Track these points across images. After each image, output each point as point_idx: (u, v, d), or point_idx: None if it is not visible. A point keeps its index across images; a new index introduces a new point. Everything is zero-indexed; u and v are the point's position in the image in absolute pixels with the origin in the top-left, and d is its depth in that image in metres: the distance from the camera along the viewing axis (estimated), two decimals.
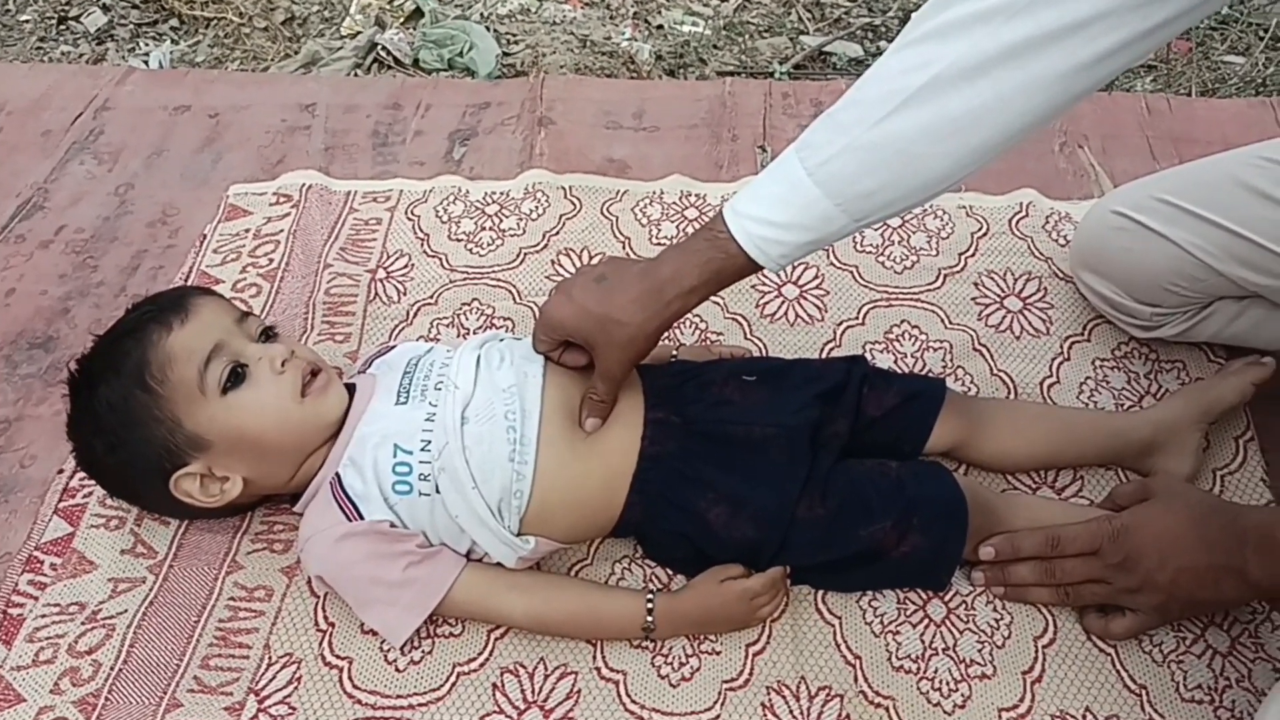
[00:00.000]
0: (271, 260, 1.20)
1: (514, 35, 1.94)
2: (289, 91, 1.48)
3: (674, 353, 1.02)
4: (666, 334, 1.08)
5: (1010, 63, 0.66)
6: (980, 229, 1.20)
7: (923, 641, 0.86)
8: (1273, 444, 0.99)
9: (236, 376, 0.84)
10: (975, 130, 0.69)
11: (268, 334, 0.90)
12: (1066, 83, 0.67)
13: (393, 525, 0.83)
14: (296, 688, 0.84)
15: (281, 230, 1.23)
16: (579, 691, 0.84)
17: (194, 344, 0.83)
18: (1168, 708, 0.82)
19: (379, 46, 1.89)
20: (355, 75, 1.82)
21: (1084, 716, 0.81)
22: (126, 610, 0.89)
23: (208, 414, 0.83)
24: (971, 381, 1.05)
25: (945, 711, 0.82)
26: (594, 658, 0.86)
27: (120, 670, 0.85)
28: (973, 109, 0.68)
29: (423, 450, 0.82)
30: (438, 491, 0.82)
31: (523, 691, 0.84)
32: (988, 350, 1.07)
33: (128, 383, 0.82)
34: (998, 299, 1.13)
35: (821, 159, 0.73)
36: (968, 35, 0.67)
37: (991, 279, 1.15)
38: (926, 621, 0.87)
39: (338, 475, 0.84)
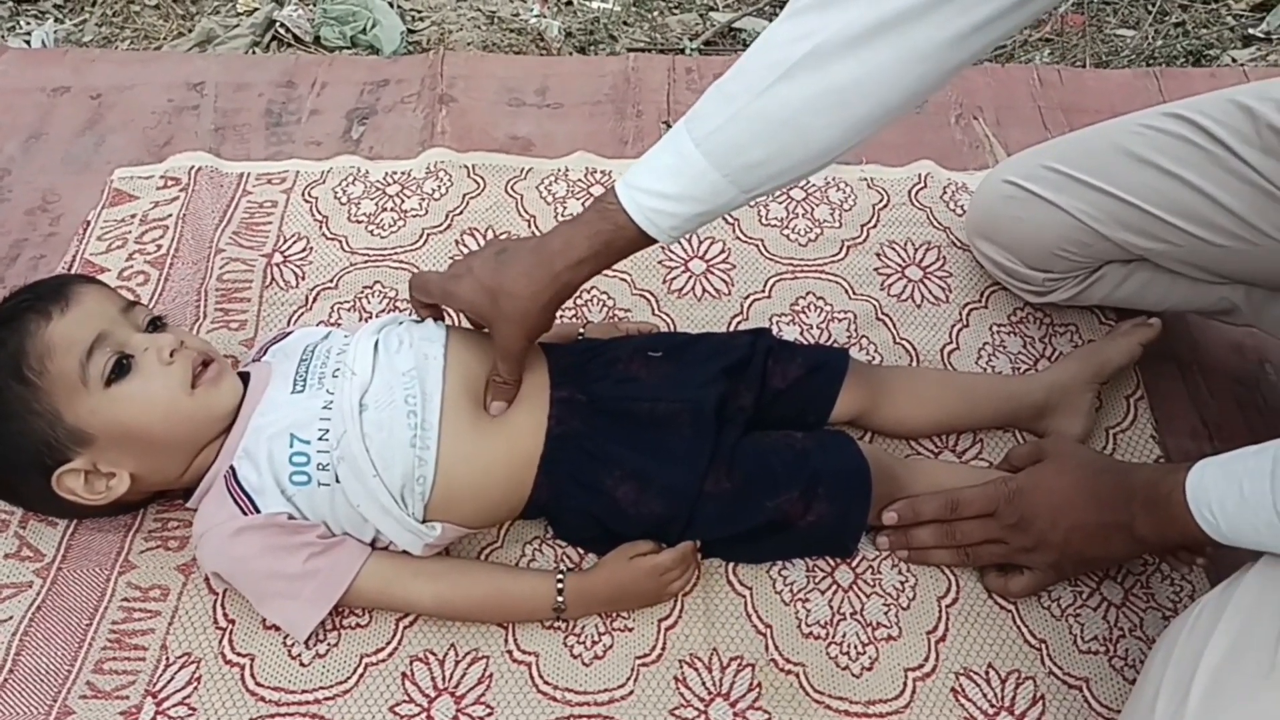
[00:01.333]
0: (160, 246, 1.15)
1: (419, 11, 1.89)
2: (176, 70, 1.41)
3: (581, 331, 1.02)
4: (573, 312, 1.09)
5: (888, 34, 0.67)
6: (881, 200, 1.22)
7: (831, 607, 0.87)
8: (1161, 401, 1.03)
9: (121, 368, 0.80)
10: (857, 101, 0.70)
11: (156, 324, 0.86)
12: (943, 54, 0.68)
13: (291, 517, 0.80)
14: (196, 688, 0.81)
15: (170, 215, 1.18)
16: (491, 676, 0.83)
17: (75, 334, 0.79)
18: (1066, 660, 0.85)
19: (277, 24, 1.82)
20: (252, 54, 1.75)
21: (987, 672, 0.84)
22: (11, 617, 0.85)
23: (89, 407, 0.79)
24: (875, 350, 1.07)
25: (854, 674, 0.83)
26: (505, 641, 0.85)
27: (6, 680, 0.81)
28: (854, 80, 0.69)
29: (320, 440, 0.80)
30: (338, 481, 0.80)
31: (433, 679, 0.83)
32: (890, 319, 1.09)
33: (3, 375, 0.78)
34: (899, 269, 1.14)
35: (709, 129, 0.72)
36: (847, 7, 0.67)
37: (893, 249, 1.17)
38: (834, 588, 0.88)
39: (232, 468, 0.81)
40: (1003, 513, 0.84)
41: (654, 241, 0.78)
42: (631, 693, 0.82)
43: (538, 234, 1.17)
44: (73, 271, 1.12)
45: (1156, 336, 1.00)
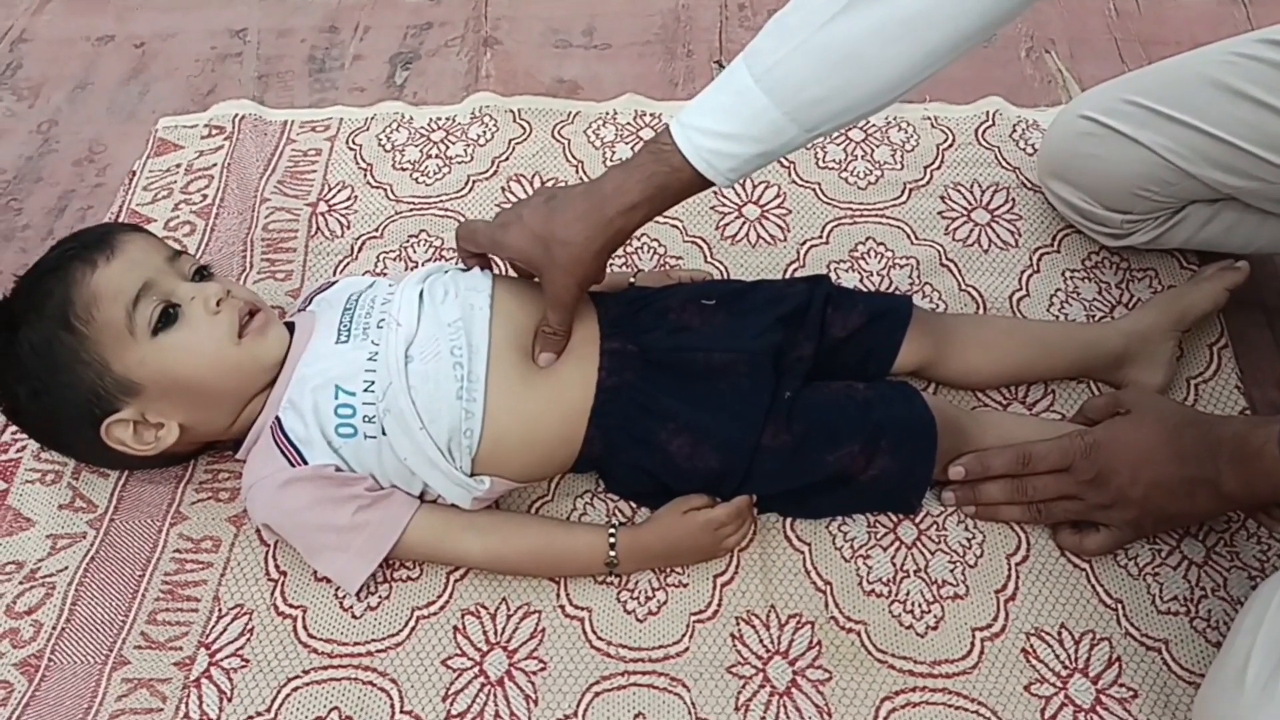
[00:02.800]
0: (205, 196, 1.13)
1: None
2: (218, 17, 1.39)
3: (631, 279, 0.98)
4: (623, 260, 1.06)
5: None
6: (946, 140, 1.16)
7: (894, 564, 0.84)
8: (1247, 350, 0.96)
9: (168, 317, 0.79)
10: (925, 30, 0.65)
11: (202, 273, 0.84)
12: None
13: (338, 469, 0.79)
14: (249, 639, 0.81)
15: (215, 164, 1.17)
16: (543, 630, 0.81)
17: (121, 282, 0.78)
18: (1144, 621, 0.81)
19: None
20: None
21: (1059, 633, 0.80)
22: (67, 567, 0.85)
23: (137, 356, 0.78)
24: (940, 298, 1.02)
25: (918, 633, 0.80)
26: (558, 595, 0.83)
27: (63, 630, 0.82)
28: (924, 8, 0.64)
29: (366, 391, 0.78)
30: (384, 434, 0.78)
31: (485, 633, 0.81)
32: (955, 265, 1.04)
33: (50, 324, 0.77)
34: (964, 212, 1.09)
35: (768, 64, 0.68)
36: None
37: (958, 191, 1.11)
38: (897, 544, 0.85)
39: (278, 419, 0.80)
40: (1078, 467, 0.79)
41: (710, 185, 0.74)
42: (687, 649, 0.80)
43: (586, 179, 1.14)
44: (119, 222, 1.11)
45: (1244, 280, 0.94)
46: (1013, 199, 1.10)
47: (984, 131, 1.17)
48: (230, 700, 0.78)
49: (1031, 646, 0.79)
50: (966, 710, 0.76)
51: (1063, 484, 0.80)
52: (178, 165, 1.17)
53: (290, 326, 0.86)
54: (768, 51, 0.69)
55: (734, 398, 0.82)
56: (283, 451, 0.78)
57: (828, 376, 0.87)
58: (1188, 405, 0.90)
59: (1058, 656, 0.79)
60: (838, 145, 1.16)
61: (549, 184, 1.14)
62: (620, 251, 1.06)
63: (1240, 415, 0.84)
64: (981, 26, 0.66)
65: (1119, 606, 0.81)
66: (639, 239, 1.08)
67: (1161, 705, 0.76)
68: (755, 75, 0.69)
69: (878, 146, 1.16)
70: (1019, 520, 0.84)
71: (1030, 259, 1.04)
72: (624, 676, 0.79)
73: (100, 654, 0.80)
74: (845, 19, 0.66)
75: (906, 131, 1.17)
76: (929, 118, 1.19)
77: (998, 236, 1.06)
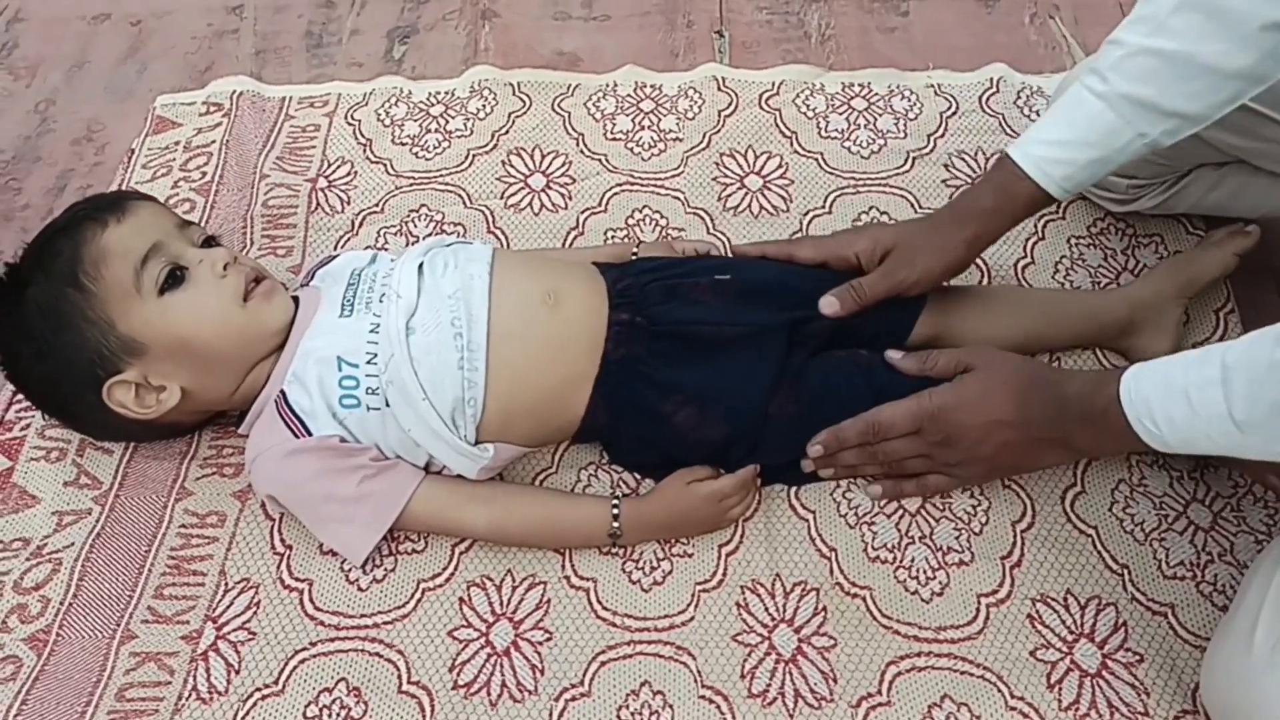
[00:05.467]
0: (205, 174, 1.13)
1: None
2: None
3: (634, 250, 0.98)
4: (625, 231, 1.05)
5: None
6: (950, 108, 1.15)
7: (899, 530, 0.83)
8: (1254, 316, 0.96)
9: (175, 278, 0.79)
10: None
11: (210, 242, 0.85)
12: None
13: (343, 440, 0.78)
14: (255, 612, 0.81)
15: (213, 141, 1.16)
16: (549, 601, 0.81)
17: (131, 242, 0.79)
18: (1150, 585, 0.80)
19: None
20: None
21: (1065, 598, 0.80)
22: (73, 543, 0.85)
23: (143, 316, 0.78)
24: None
25: (923, 599, 0.80)
26: (563, 566, 0.83)
27: (70, 605, 0.82)
28: None
29: (369, 364, 0.78)
30: (387, 405, 0.78)
31: (490, 604, 0.81)
32: None
33: (59, 282, 0.77)
34: (969, 180, 1.08)
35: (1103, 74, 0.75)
36: None
37: (962, 160, 1.10)
38: (901, 512, 0.84)
39: (283, 393, 0.80)
40: (927, 430, 0.79)
41: (1050, 198, 0.78)
42: (692, 619, 0.80)
43: (585, 152, 1.13)
44: None
45: (1253, 245, 0.93)
46: None
47: (988, 99, 1.16)
48: (238, 673, 0.78)
49: (1037, 612, 0.79)
50: (972, 675, 0.76)
51: (914, 445, 0.80)
52: (176, 143, 1.17)
53: (295, 301, 0.85)
54: (1106, 67, 0.74)
55: (742, 368, 0.82)
56: (287, 423, 0.78)
57: (840, 343, 0.86)
58: (1030, 360, 0.85)
59: (1063, 622, 0.79)
60: (840, 114, 1.15)
61: (550, 156, 1.13)
62: (621, 223, 1.06)
63: (1083, 372, 0.80)
64: None
65: (1125, 572, 0.81)
66: (640, 210, 1.07)
67: (1167, 670, 0.76)
68: (1091, 87, 0.75)
69: (881, 115, 1.15)
70: (876, 475, 0.84)
71: (1036, 226, 1.03)
72: (630, 646, 0.79)
73: (108, 628, 0.81)
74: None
75: (910, 99, 1.16)
76: (932, 85, 1.17)
77: None
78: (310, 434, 0.78)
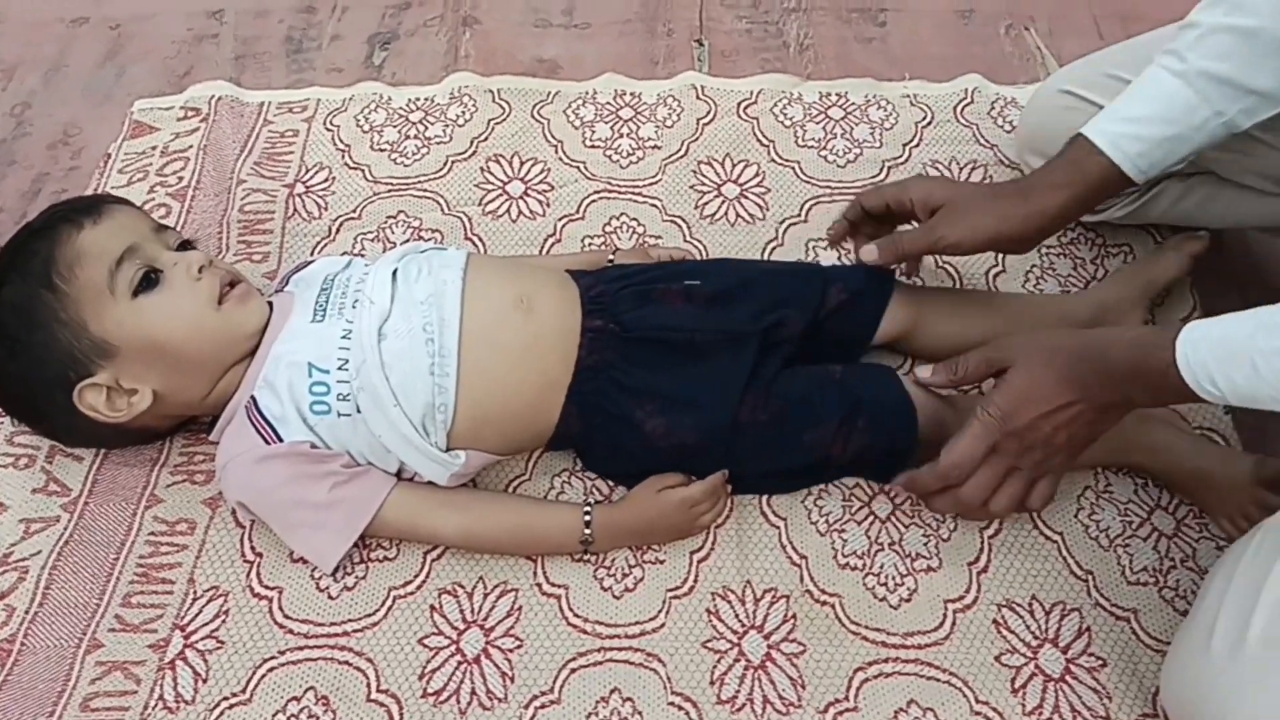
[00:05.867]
0: (181, 178, 1.13)
1: None
2: None
3: (610, 258, 0.98)
4: (602, 239, 1.06)
5: None
6: (925, 118, 1.16)
7: (868, 537, 0.84)
8: None
9: (149, 281, 0.80)
10: None
11: (186, 246, 0.85)
12: None
13: (314, 446, 0.79)
14: (224, 621, 0.81)
15: (191, 146, 1.16)
16: (520, 608, 0.82)
17: (106, 243, 0.79)
18: (1114, 591, 0.81)
19: None
20: None
21: (1030, 604, 0.81)
22: (40, 551, 0.85)
23: (116, 317, 0.78)
24: (917, 275, 1.02)
25: (891, 605, 0.81)
26: (535, 574, 0.83)
27: (36, 614, 0.81)
28: None
29: (340, 369, 0.78)
30: (358, 411, 0.78)
31: (461, 611, 0.81)
32: None
33: (33, 282, 0.77)
34: None
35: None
36: None
37: (937, 169, 1.11)
38: (872, 519, 0.85)
39: (253, 398, 0.79)
40: (1001, 445, 0.74)
41: (1126, 179, 0.77)
42: (663, 625, 0.80)
43: (565, 159, 1.14)
44: None
45: (1205, 248, 0.95)
46: (991, 176, 1.10)
47: (963, 109, 1.17)
48: (205, 681, 0.78)
49: (1002, 617, 0.80)
50: (938, 680, 0.77)
51: (996, 469, 0.75)
52: (153, 147, 1.17)
53: (270, 306, 0.85)
54: (1184, 47, 0.74)
55: (713, 375, 0.82)
56: (257, 429, 0.78)
57: (809, 349, 0.87)
58: (1060, 332, 0.81)
59: (1028, 627, 0.79)
60: (816, 124, 1.16)
61: (528, 163, 1.13)
62: (599, 230, 1.07)
63: (1125, 330, 0.75)
64: None
65: (1089, 577, 0.82)
66: (618, 217, 1.08)
67: (1130, 674, 0.77)
68: (1168, 67, 0.75)
69: (857, 125, 1.16)
70: (984, 513, 0.78)
71: None
72: (600, 653, 0.79)
73: (74, 637, 0.80)
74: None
75: (886, 109, 1.17)
76: (908, 95, 1.18)
77: None
78: (281, 440, 0.78)
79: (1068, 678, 0.77)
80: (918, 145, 1.13)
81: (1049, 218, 0.80)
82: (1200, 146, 0.76)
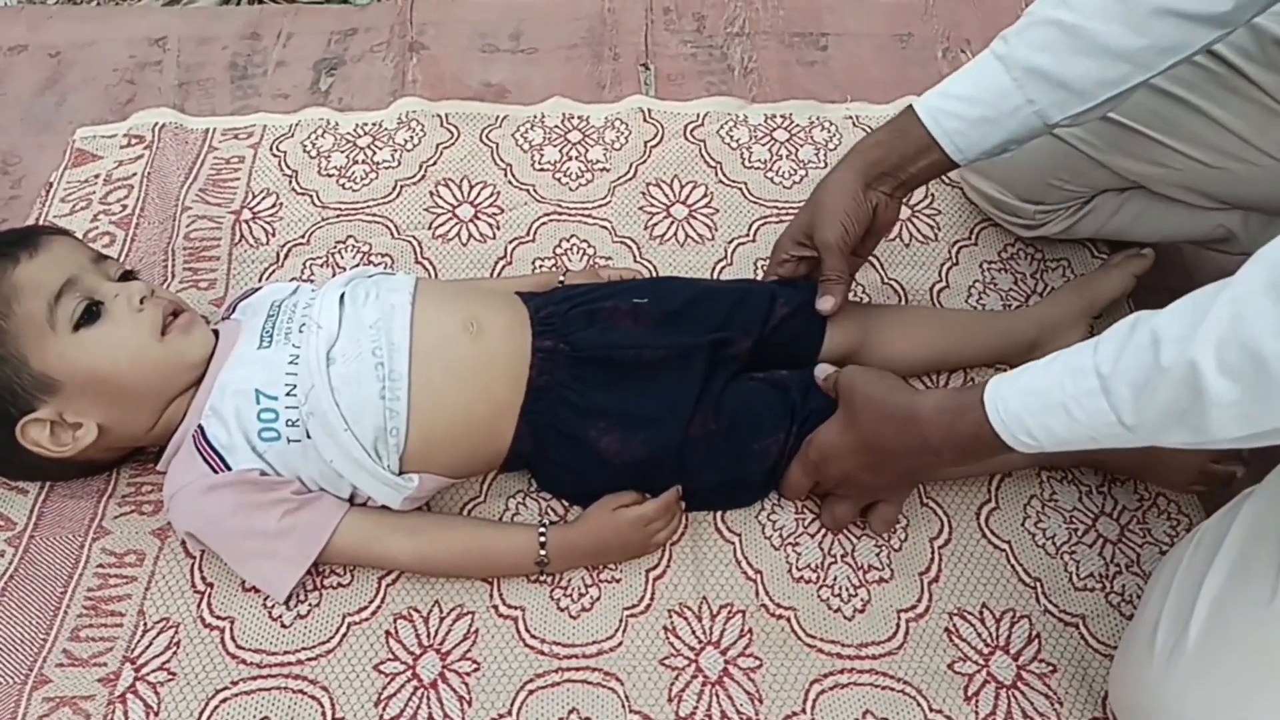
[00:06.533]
0: (125, 206, 1.11)
1: None
2: (136, 25, 1.36)
3: (561, 279, 0.99)
4: (552, 261, 1.06)
5: None
6: None
7: (822, 550, 0.85)
8: None
9: (90, 314, 0.78)
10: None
11: (127, 276, 0.84)
12: None
13: (263, 474, 0.78)
14: (175, 652, 0.80)
15: (135, 174, 1.15)
16: (476, 631, 0.81)
17: (43, 277, 0.77)
18: (1062, 597, 0.83)
19: None
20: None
21: (981, 612, 0.82)
22: None
23: (57, 351, 0.76)
24: (863, 291, 1.04)
25: (845, 617, 0.82)
26: (491, 596, 0.83)
27: None
28: None
29: (288, 395, 0.77)
30: (308, 436, 0.77)
31: (417, 636, 0.81)
32: (878, 260, 1.06)
33: None
34: None
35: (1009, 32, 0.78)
36: None
37: None
38: (824, 531, 0.86)
39: (200, 427, 0.79)
40: (825, 481, 0.83)
41: (949, 161, 0.80)
42: (620, 644, 0.81)
43: (514, 183, 1.14)
44: None
45: (1149, 267, 0.98)
46: (932, 194, 1.12)
47: None
48: (157, 714, 0.77)
49: (954, 626, 0.81)
50: (893, 690, 0.78)
51: (823, 491, 0.85)
52: (96, 176, 1.15)
53: (216, 334, 0.85)
54: (1012, 33, 0.77)
55: (663, 390, 0.83)
56: (205, 458, 0.77)
57: (756, 366, 0.88)
58: (887, 390, 0.79)
59: (979, 635, 0.81)
60: (762, 145, 1.18)
61: (478, 187, 1.14)
62: (550, 252, 1.07)
63: (937, 394, 0.75)
64: None
65: (1038, 585, 0.84)
66: (568, 240, 1.08)
67: (1079, 679, 0.79)
68: (995, 50, 0.77)
69: (802, 146, 1.18)
70: (828, 527, 0.87)
71: (949, 252, 1.07)
72: (558, 674, 0.79)
73: (20, 674, 0.78)
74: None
75: (829, 131, 1.20)
76: (850, 117, 1.21)
77: (918, 231, 1.09)
78: (229, 468, 0.77)
79: (1019, 684, 0.79)
80: None
81: (883, 180, 0.83)
82: (1015, 134, 0.78)
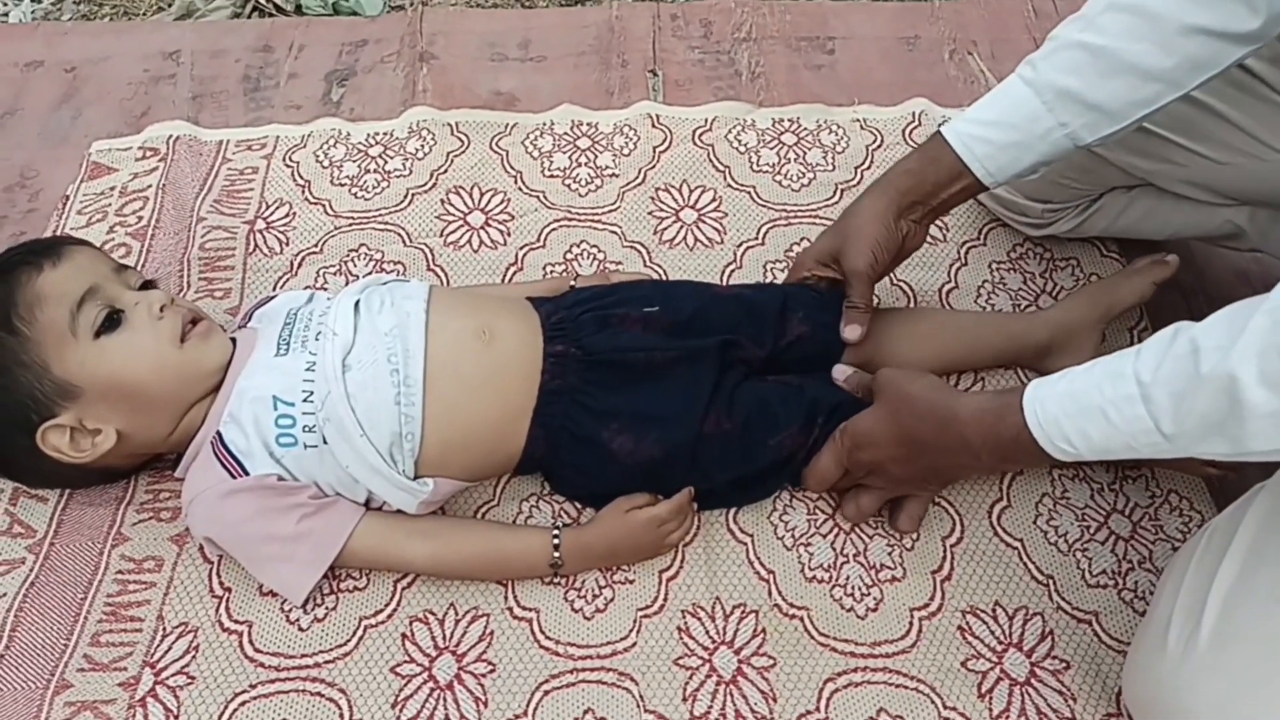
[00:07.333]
0: (141, 218, 1.13)
1: None
2: (150, 40, 1.38)
3: (572, 283, 0.99)
4: (563, 266, 1.07)
5: None
6: (875, 141, 1.19)
7: (834, 550, 0.86)
8: None
9: (111, 321, 0.80)
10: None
11: (147, 285, 0.85)
12: None
13: (281, 479, 0.79)
14: (194, 656, 0.81)
15: (150, 186, 1.16)
16: (491, 633, 0.82)
17: (66, 285, 0.79)
18: (1075, 594, 0.83)
19: None
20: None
21: (994, 610, 0.82)
22: (5, 594, 0.84)
23: (78, 358, 0.78)
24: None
25: (858, 616, 0.82)
26: (505, 598, 0.84)
27: (3, 657, 0.80)
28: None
29: (305, 401, 0.78)
30: (325, 442, 0.78)
31: (433, 638, 0.82)
32: None
33: None
34: None
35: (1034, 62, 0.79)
36: None
37: None
38: (836, 531, 0.87)
39: (219, 434, 0.80)
40: (854, 472, 0.82)
41: (978, 183, 0.81)
42: (634, 644, 0.81)
43: (524, 190, 1.15)
44: None
45: (1171, 275, 0.95)
46: None
47: (911, 132, 1.20)
48: (177, 718, 0.78)
49: (967, 624, 0.82)
50: (906, 688, 0.78)
51: (849, 482, 0.84)
52: (112, 188, 1.17)
53: (233, 343, 0.86)
54: (1039, 57, 0.78)
55: (675, 390, 0.84)
56: (223, 464, 0.78)
57: (771, 374, 0.88)
58: (928, 389, 0.78)
59: (993, 632, 0.81)
60: (770, 149, 1.19)
61: (488, 194, 1.15)
62: (560, 257, 1.08)
63: (980, 396, 0.74)
64: None
65: (1050, 582, 0.84)
66: (578, 245, 1.09)
67: (1093, 675, 0.79)
68: (1022, 75, 0.78)
69: (810, 149, 1.19)
70: (850, 519, 0.87)
71: (958, 252, 1.07)
72: (573, 674, 0.80)
73: (41, 679, 0.79)
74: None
75: (837, 134, 1.20)
76: (858, 120, 1.22)
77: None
78: (247, 474, 0.78)
79: (1033, 681, 0.79)
80: (869, 168, 1.16)
81: (913, 208, 0.85)
82: (1046, 156, 0.79)
